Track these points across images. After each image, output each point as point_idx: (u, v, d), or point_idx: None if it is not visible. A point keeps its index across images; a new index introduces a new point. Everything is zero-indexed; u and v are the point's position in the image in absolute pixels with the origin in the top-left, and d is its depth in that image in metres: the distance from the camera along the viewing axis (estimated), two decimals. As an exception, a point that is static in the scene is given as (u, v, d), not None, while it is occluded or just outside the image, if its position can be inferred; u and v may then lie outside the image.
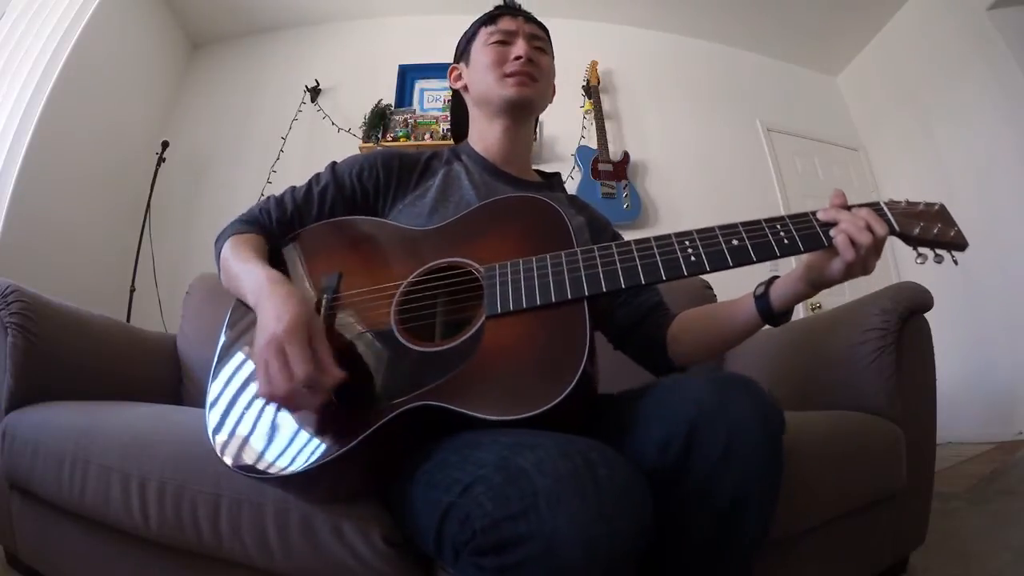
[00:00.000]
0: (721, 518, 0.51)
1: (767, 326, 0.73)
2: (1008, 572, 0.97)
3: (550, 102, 0.94)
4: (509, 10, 0.90)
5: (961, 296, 2.53)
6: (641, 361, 0.87)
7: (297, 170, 2.73)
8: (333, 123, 2.93)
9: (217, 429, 0.61)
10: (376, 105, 2.88)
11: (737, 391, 0.53)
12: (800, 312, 0.75)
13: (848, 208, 0.63)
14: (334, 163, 0.86)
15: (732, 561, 0.53)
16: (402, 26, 3.21)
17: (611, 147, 2.86)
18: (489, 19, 0.90)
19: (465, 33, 0.93)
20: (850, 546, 0.87)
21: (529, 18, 0.90)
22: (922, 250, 0.63)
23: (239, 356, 0.68)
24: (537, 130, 2.91)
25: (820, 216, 0.62)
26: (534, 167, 0.98)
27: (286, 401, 0.55)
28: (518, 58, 0.84)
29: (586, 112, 2.98)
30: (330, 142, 2.87)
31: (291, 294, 0.61)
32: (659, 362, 0.83)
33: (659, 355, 0.82)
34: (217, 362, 0.69)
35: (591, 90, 2.98)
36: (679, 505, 0.51)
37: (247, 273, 0.69)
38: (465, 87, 0.92)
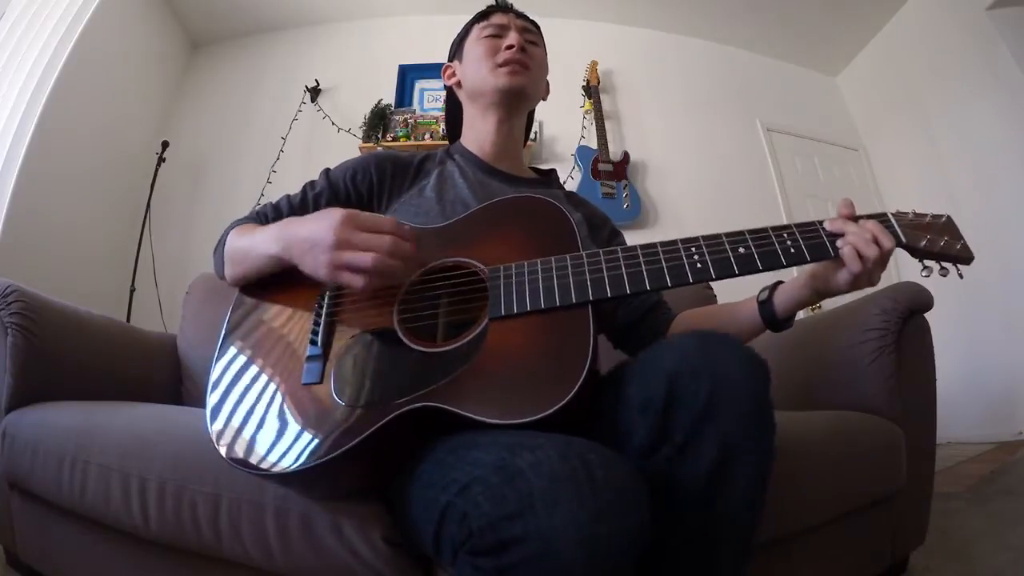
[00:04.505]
0: (709, 476, 0.48)
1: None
2: (1008, 572, 0.97)
3: (543, 98, 0.95)
4: (500, 7, 0.93)
5: (961, 296, 2.52)
6: None
7: (297, 170, 2.73)
8: (333, 123, 2.92)
9: (220, 431, 0.61)
10: (376, 105, 2.88)
11: (719, 343, 0.51)
12: (800, 312, 0.75)
13: (855, 219, 0.63)
14: (328, 169, 0.87)
15: (725, 535, 0.51)
16: (402, 26, 3.21)
17: (611, 147, 2.86)
18: (481, 16, 0.93)
19: (459, 33, 0.96)
20: (850, 546, 0.87)
21: (520, 15, 0.93)
22: (928, 263, 0.63)
23: (240, 357, 0.67)
24: (537, 130, 2.91)
25: (827, 226, 0.62)
26: (531, 165, 0.99)
27: (391, 258, 0.58)
28: (510, 47, 0.86)
29: (586, 112, 2.98)
30: (330, 142, 2.86)
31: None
32: None
33: None
34: (216, 363, 0.67)
35: (591, 90, 2.97)
36: (665, 463, 0.49)
37: (262, 235, 0.70)
38: (458, 83, 0.94)
